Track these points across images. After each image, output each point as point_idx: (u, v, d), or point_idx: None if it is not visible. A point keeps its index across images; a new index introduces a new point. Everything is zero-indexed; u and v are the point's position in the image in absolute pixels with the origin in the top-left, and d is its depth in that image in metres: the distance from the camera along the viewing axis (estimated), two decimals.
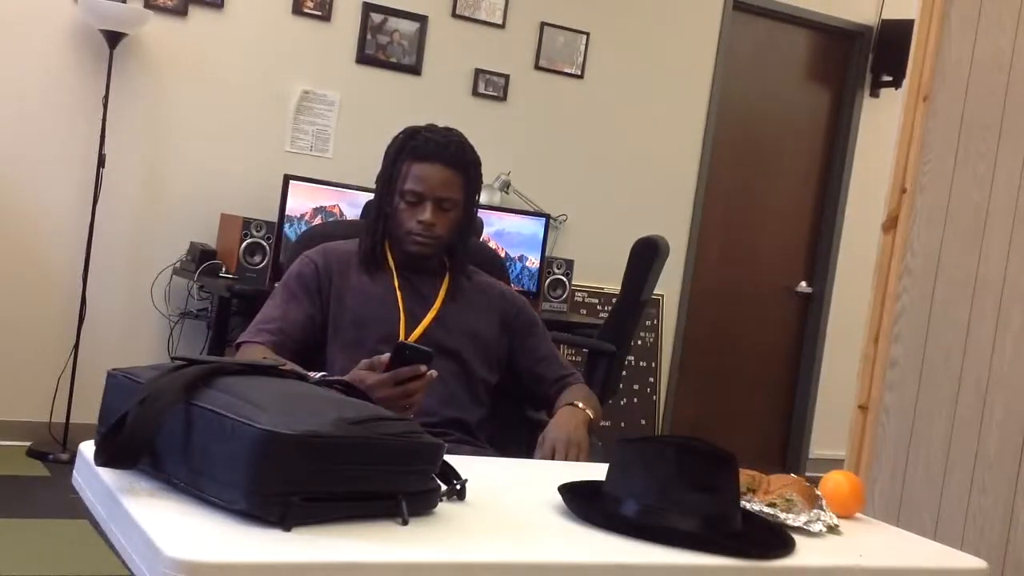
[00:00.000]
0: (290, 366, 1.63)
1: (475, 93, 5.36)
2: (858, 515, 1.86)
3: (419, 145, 2.34)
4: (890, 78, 6.29)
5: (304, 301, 2.33)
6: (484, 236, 4.74)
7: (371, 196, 2.50)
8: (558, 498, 1.62)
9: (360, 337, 2.31)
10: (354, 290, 2.36)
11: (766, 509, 1.69)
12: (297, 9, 5.02)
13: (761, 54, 6.19)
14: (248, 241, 4.60)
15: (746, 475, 1.76)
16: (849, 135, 6.35)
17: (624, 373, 5.32)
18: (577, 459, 2.17)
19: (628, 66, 5.75)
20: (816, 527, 1.67)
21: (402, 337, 2.31)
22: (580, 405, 2.33)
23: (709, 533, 1.50)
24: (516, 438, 2.49)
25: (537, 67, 5.53)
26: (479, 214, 2.64)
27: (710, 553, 1.47)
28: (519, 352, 2.48)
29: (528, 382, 2.49)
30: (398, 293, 2.37)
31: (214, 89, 4.91)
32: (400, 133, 2.40)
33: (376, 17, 5.18)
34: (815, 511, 1.71)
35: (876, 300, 3.02)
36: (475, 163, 2.39)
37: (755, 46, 6.16)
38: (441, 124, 2.44)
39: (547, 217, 5.36)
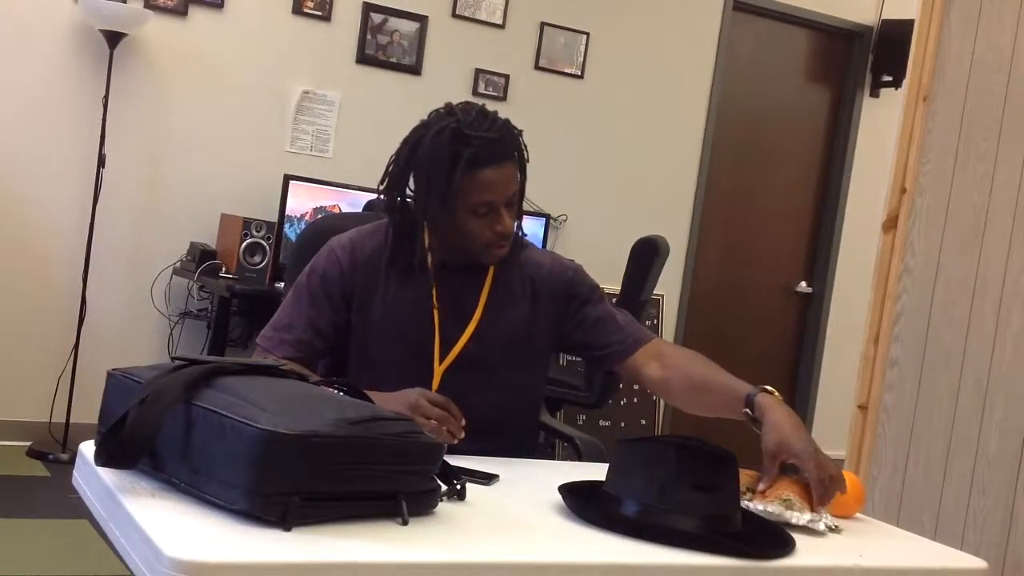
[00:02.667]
0: (290, 366, 1.63)
1: (475, 93, 5.36)
2: (858, 515, 1.86)
3: (477, 152, 2.01)
4: (890, 78, 6.29)
5: (326, 306, 2.12)
6: None
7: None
8: (558, 498, 1.62)
9: (385, 353, 2.12)
10: (380, 300, 2.13)
11: (769, 508, 1.69)
12: (297, 9, 5.02)
13: (761, 54, 6.19)
14: (248, 241, 4.60)
15: (746, 475, 1.76)
16: (849, 135, 6.35)
17: None
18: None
19: (628, 66, 5.75)
20: (816, 527, 1.67)
21: (436, 362, 2.11)
22: (776, 393, 1.98)
23: (709, 533, 1.50)
24: (528, 441, 2.41)
25: (537, 67, 5.53)
26: None
27: (710, 553, 1.47)
28: (572, 330, 2.23)
29: (587, 350, 2.25)
30: (434, 307, 2.12)
31: (214, 89, 4.91)
32: (440, 138, 2.04)
33: (376, 17, 5.17)
34: (815, 511, 1.71)
35: (876, 300, 3.02)
36: (522, 139, 2.12)
37: (755, 46, 6.16)
38: None
39: (547, 217, 5.36)
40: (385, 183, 2.14)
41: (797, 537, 1.60)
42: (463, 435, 1.86)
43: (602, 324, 2.23)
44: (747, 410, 1.97)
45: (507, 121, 2.09)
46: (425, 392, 1.91)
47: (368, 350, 2.14)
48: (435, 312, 2.12)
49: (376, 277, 2.14)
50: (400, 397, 1.89)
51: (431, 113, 2.11)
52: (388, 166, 2.15)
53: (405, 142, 2.11)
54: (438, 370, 2.12)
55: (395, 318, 2.13)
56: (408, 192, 2.13)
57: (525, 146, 2.12)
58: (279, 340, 2.12)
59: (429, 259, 2.14)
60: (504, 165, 2.05)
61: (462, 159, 2.01)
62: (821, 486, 1.76)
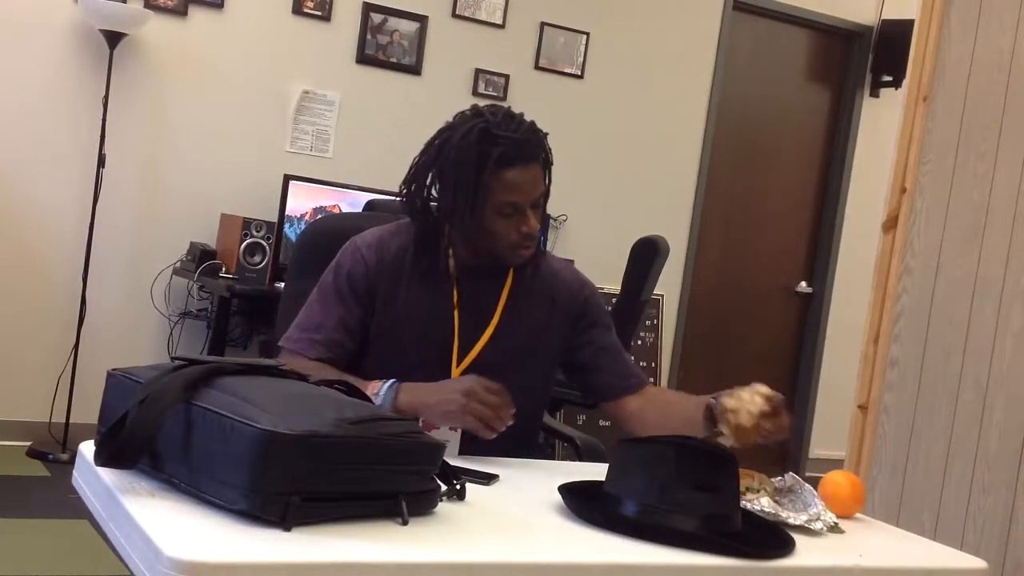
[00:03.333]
0: (290, 365, 1.62)
1: (475, 93, 5.36)
2: (858, 515, 1.86)
3: (505, 151, 2.02)
4: (890, 78, 6.29)
5: (355, 304, 2.10)
6: None
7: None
8: (558, 498, 1.62)
9: (404, 353, 2.11)
10: (402, 300, 2.11)
11: (767, 508, 1.69)
12: (297, 9, 5.02)
13: (761, 54, 6.19)
14: (248, 241, 4.60)
15: (746, 475, 1.76)
16: (849, 135, 6.35)
17: None
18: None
19: (628, 66, 5.75)
20: (816, 527, 1.68)
21: (455, 364, 2.10)
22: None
23: (709, 533, 1.50)
24: (528, 442, 2.40)
25: (537, 67, 5.53)
26: None
27: (710, 553, 1.47)
28: (578, 347, 2.24)
29: (584, 373, 2.25)
30: (455, 310, 2.11)
31: (214, 89, 4.91)
32: (468, 138, 2.03)
33: (376, 17, 5.17)
34: (815, 510, 1.71)
35: (876, 300, 3.02)
36: (547, 143, 2.12)
37: (755, 46, 6.16)
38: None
39: (547, 217, 5.36)
40: (408, 185, 2.13)
41: (797, 537, 1.60)
42: (511, 423, 1.86)
43: (607, 353, 2.25)
44: (712, 399, 1.98)
45: (533, 123, 2.10)
46: (481, 380, 1.90)
47: (386, 349, 2.13)
48: (456, 314, 2.12)
49: (399, 277, 2.13)
50: (455, 384, 1.90)
51: (456, 115, 2.11)
52: (411, 168, 2.13)
53: (430, 143, 2.11)
54: (455, 372, 2.11)
55: (416, 319, 2.11)
56: (432, 194, 2.12)
57: (550, 149, 2.12)
58: (309, 341, 2.09)
59: (451, 262, 2.13)
60: (531, 166, 2.06)
61: (490, 159, 2.01)
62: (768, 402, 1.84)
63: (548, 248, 5.30)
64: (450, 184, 2.06)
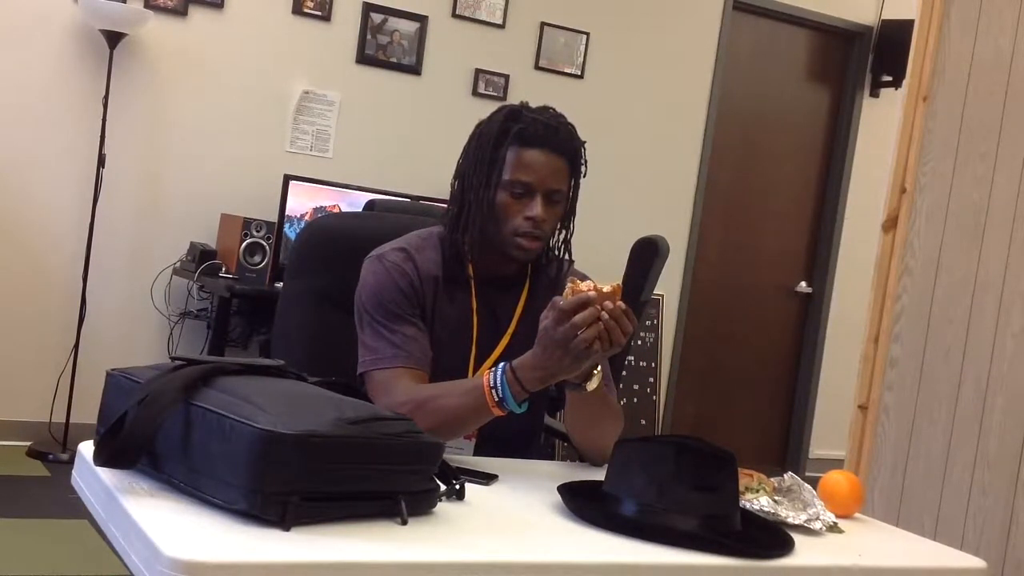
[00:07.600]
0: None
1: (475, 93, 5.36)
2: (858, 515, 1.86)
3: (526, 128, 2.01)
4: (890, 78, 6.29)
5: (417, 317, 2.02)
6: None
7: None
8: (558, 498, 1.62)
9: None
10: (431, 311, 2.06)
11: (765, 508, 1.69)
12: (297, 9, 5.02)
13: (761, 54, 6.19)
14: (248, 241, 4.60)
15: (746, 475, 1.76)
16: (849, 135, 6.35)
17: (624, 373, 5.32)
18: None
19: (628, 66, 5.75)
20: (816, 526, 1.68)
21: (471, 372, 2.04)
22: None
23: (709, 533, 1.50)
24: (529, 443, 2.39)
25: (537, 67, 5.53)
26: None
27: (710, 553, 1.47)
28: None
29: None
30: (474, 318, 2.07)
31: (214, 89, 4.91)
32: (495, 113, 2.06)
33: (376, 17, 5.17)
34: (814, 510, 1.71)
35: (876, 300, 3.02)
36: (582, 149, 2.14)
37: (755, 46, 6.16)
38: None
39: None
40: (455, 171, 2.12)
41: (796, 537, 1.60)
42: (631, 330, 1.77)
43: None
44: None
45: (568, 122, 2.11)
46: (546, 320, 1.78)
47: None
48: (475, 323, 2.08)
49: (436, 294, 2.07)
50: (545, 337, 1.77)
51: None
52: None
53: (475, 127, 2.11)
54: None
55: (444, 335, 2.06)
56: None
57: (583, 155, 2.13)
58: (395, 353, 1.98)
59: (471, 269, 2.09)
60: (551, 154, 2.04)
61: (510, 133, 2.02)
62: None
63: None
64: (472, 156, 2.06)
